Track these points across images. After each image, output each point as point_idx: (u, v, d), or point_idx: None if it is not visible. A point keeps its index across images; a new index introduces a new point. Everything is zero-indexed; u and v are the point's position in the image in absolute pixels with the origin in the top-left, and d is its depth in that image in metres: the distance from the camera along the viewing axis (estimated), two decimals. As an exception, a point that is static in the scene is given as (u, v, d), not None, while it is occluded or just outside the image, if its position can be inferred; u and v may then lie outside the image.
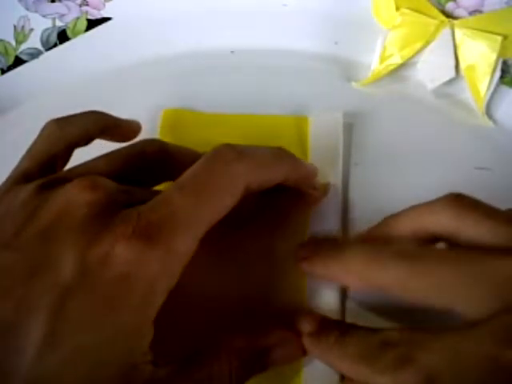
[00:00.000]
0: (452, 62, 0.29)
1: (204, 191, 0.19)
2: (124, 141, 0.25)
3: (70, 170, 0.22)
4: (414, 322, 0.23)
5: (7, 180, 0.22)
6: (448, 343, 0.17)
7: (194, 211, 0.19)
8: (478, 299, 0.17)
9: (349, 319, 0.23)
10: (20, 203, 0.19)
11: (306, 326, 0.21)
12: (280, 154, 0.22)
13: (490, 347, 0.16)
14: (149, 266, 0.18)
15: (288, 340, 0.21)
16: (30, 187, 0.20)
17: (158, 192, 0.20)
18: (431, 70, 0.30)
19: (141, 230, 0.18)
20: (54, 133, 0.23)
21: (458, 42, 0.29)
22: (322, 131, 0.28)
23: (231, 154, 0.20)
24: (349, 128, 0.29)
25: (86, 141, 0.24)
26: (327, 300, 0.23)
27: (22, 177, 0.21)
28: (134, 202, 0.19)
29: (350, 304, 0.24)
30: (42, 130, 0.23)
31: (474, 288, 0.17)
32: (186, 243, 0.18)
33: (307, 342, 0.21)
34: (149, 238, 0.18)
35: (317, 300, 0.23)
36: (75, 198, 0.18)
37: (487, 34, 0.29)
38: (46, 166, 0.22)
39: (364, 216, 0.26)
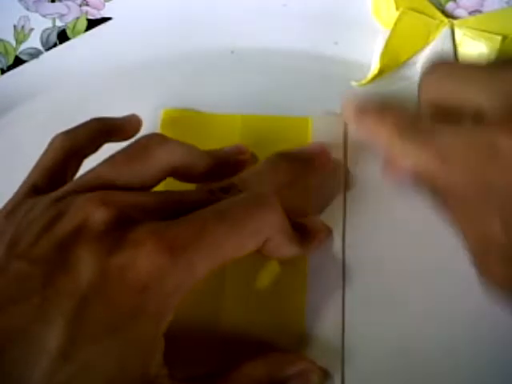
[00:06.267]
0: (452, 62, 0.29)
1: (238, 230, 0.19)
2: (128, 139, 0.26)
3: (78, 179, 0.22)
4: (415, 341, 0.23)
5: (17, 193, 0.22)
6: (464, 130, 0.19)
7: (222, 243, 0.19)
8: (495, 102, 0.19)
9: (348, 340, 0.23)
10: (34, 216, 0.19)
11: (352, 105, 0.23)
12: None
13: (493, 134, 0.18)
14: (167, 280, 0.18)
15: (308, 371, 0.21)
16: (43, 201, 0.20)
17: (164, 193, 0.21)
18: (431, 70, 0.30)
19: (165, 244, 0.18)
20: (62, 146, 0.23)
21: (457, 41, 0.29)
22: (323, 132, 0.28)
23: (270, 201, 0.21)
24: (348, 128, 0.28)
25: (94, 150, 0.24)
26: (327, 325, 0.23)
27: (32, 190, 0.22)
28: (149, 212, 0.19)
29: (349, 327, 0.24)
30: (50, 144, 0.24)
31: (493, 93, 0.19)
32: (204, 268, 0.19)
33: (352, 115, 0.23)
34: (172, 254, 0.18)
35: (317, 320, 0.24)
36: (90, 214, 0.19)
37: (487, 34, 0.29)
38: (56, 178, 0.23)
39: (363, 217, 0.26)
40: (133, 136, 0.26)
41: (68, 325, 0.17)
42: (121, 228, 0.18)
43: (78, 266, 0.18)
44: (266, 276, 0.24)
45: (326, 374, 0.22)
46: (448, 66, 0.22)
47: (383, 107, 0.23)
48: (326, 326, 0.23)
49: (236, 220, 0.20)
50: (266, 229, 0.20)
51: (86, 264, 0.18)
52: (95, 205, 0.19)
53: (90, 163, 0.23)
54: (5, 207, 0.22)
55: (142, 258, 0.18)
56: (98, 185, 0.20)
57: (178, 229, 0.19)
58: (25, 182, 0.23)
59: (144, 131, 0.27)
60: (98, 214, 0.19)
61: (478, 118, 0.19)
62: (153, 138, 0.23)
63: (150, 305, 0.18)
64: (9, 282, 0.18)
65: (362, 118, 0.23)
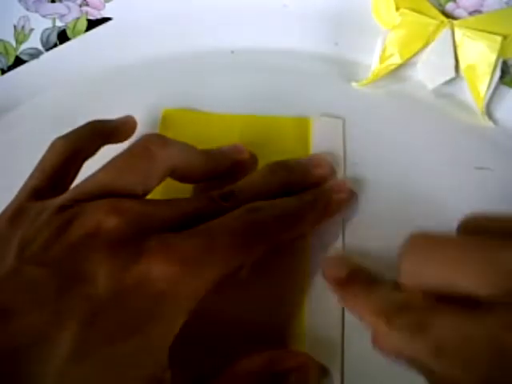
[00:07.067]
0: (452, 62, 0.29)
1: (244, 245, 0.21)
2: (125, 140, 0.26)
3: (82, 185, 0.22)
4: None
5: (18, 196, 0.22)
6: (460, 321, 0.18)
7: (230, 255, 0.20)
8: (490, 287, 0.17)
9: (348, 340, 0.23)
10: (43, 221, 0.20)
11: (337, 271, 0.22)
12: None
13: (496, 330, 0.17)
14: (180, 288, 0.19)
15: (307, 365, 0.22)
16: (51, 206, 0.20)
17: (174, 203, 0.21)
18: (431, 70, 0.30)
19: (177, 256, 0.19)
20: (62, 149, 0.24)
21: (457, 42, 0.29)
22: (323, 133, 0.28)
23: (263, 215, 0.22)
24: (348, 128, 0.29)
25: (92, 152, 0.25)
26: (326, 322, 0.24)
27: (33, 194, 0.22)
28: (158, 223, 0.20)
29: (349, 327, 0.24)
30: (50, 148, 0.24)
31: (486, 276, 0.18)
32: (214, 277, 0.20)
33: (335, 287, 0.22)
34: (184, 263, 0.19)
35: (317, 319, 0.24)
36: (102, 221, 0.19)
37: (487, 34, 0.29)
38: (56, 182, 0.23)
39: (363, 216, 0.26)
40: (129, 137, 0.26)
41: (81, 328, 0.17)
42: (134, 238, 0.19)
43: (93, 274, 0.18)
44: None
45: (325, 370, 0.22)
46: (428, 242, 0.19)
47: (370, 284, 0.21)
48: (325, 325, 0.23)
49: (239, 235, 0.21)
50: (271, 237, 0.21)
51: (102, 272, 0.18)
52: (106, 212, 0.19)
53: (89, 165, 0.23)
54: (6, 211, 0.22)
55: (158, 268, 0.18)
56: (102, 192, 0.21)
57: (188, 242, 0.19)
58: (25, 186, 0.23)
59: (144, 131, 0.27)
60: (109, 222, 0.19)
61: (471, 304, 0.18)
62: (152, 139, 0.23)
63: (163, 311, 0.19)
64: (23, 286, 0.18)
65: (345, 295, 0.22)
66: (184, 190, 0.26)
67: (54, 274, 0.18)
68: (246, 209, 0.21)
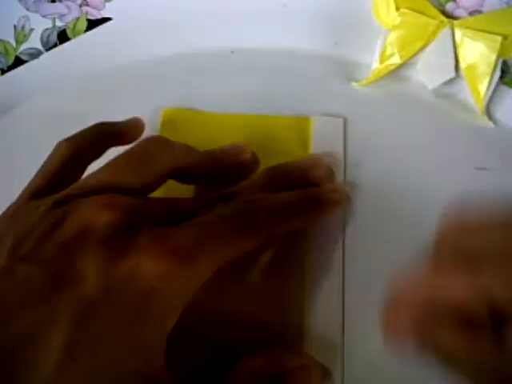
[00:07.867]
0: (452, 62, 0.29)
1: (239, 233, 0.20)
2: (131, 142, 0.26)
3: (80, 182, 0.22)
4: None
5: (20, 197, 0.22)
6: None
7: (223, 246, 0.20)
8: None
9: (348, 340, 0.23)
10: (36, 219, 0.20)
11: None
12: None
13: None
14: (171, 284, 0.18)
15: (309, 365, 0.22)
16: (45, 203, 0.20)
17: (171, 201, 0.21)
18: (431, 70, 0.30)
19: (170, 249, 0.19)
20: (66, 152, 0.23)
21: (457, 42, 0.29)
22: (323, 133, 0.28)
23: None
24: (348, 128, 0.29)
25: (97, 155, 0.24)
26: (326, 322, 0.24)
27: (35, 194, 0.22)
28: (151, 218, 0.20)
29: (349, 327, 0.24)
30: (55, 150, 0.24)
31: None
32: (208, 270, 0.19)
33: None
34: (176, 258, 0.18)
35: (317, 319, 0.24)
36: (94, 217, 0.19)
37: (487, 34, 0.29)
38: (59, 184, 0.23)
39: (363, 217, 0.26)
40: (135, 139, 0.26)
41: (73, 327, 0.17)
42: (125, 233, 0.19)
43: (83, 271, 0.18)
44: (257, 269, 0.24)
45: (326, 371, 0.22)
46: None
47: None
48: (326, 325, 0.23)
49: (232, 224, 0.20)
50: (265, 229, 0.21)
51: (91, 269, 0.18)
52: (99, 208, 0.19)
53: (93, 167, 0.23)
54: (7, 210, 0.22)
55: (147, 263, 0.18)
56: (99, 189, 0.21)
57: (179, 235, 0.19)
58: (28, 187, 0.23)
59: (144, 131, 0.27)
60: (102, 218, 0.19)
61: None
62: (154, 141, 0.23)
63: (155, 307, 0.18)
64: (15, 285, 0.18)
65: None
66: (185, 192, 0.26)
67: (46, 272, 0.18)
68: (242, 199, 0.21)
